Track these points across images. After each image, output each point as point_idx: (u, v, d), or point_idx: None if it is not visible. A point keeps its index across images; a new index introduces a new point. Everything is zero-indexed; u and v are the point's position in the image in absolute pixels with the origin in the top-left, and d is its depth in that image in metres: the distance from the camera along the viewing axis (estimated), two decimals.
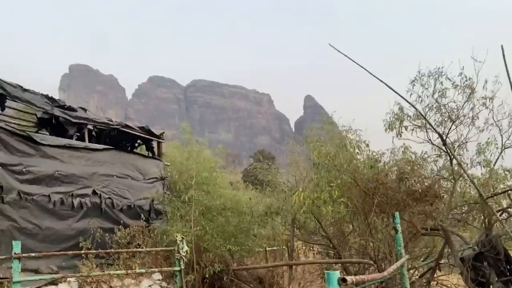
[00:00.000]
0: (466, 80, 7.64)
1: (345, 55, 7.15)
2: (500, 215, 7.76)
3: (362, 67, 7.10)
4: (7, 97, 10.64)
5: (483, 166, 8.08)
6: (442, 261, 8.84)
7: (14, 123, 12.45)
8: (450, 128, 7.85)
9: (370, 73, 7.11)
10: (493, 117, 7.70)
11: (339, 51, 7.15)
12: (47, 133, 13.17)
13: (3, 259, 7.43)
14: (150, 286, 9.67)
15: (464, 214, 8.56)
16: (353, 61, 7.10)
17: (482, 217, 7.90)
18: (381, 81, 7.10)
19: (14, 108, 12.77)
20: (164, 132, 15.76)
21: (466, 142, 8.06)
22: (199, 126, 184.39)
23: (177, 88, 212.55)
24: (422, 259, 9.85)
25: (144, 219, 12.23)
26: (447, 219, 7.75)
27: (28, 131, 11.51)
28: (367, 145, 9.03)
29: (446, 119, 7.89)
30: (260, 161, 13.03)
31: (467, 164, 8.13)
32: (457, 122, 7.83)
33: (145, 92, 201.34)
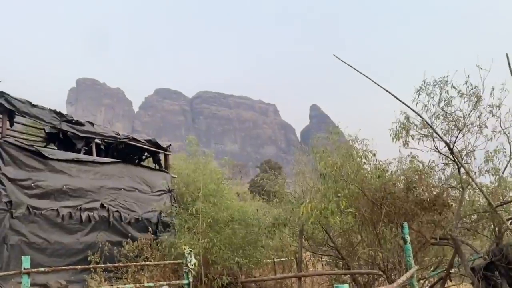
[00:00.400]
0: (472, 89, 7.61)
1: (350, 65, 7.17)
2: (510, 224, 7.64)
3: (367, 77, 7.11)
4: (16, 113, 10.79)
5: (492, 174, 8.02)
6: (453, 271, 8.71)
7: (23, 138, 12.61)
8: (457, 137, 7.80)
9: (376, 83, 7.11)
10: (500, 125, 7.64)
11: (343, 62, 7.17)
12: (55, 148, 13.31)
13: (12, 274, 7.48)
14: None
15: (473, 223, 8.45)
16: (358, 71, 7.12)
17: (492, 226, 7.80)
18: (386, 90, 7.10)
19: (22, 124, 12.95)
20: (171, 145, 15.86)
21: (474, 150, 8.00)
22: (205, 137, 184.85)
23: (183, 99, 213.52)
24: (432, 269, 9.73)
25: (152, 232, 12.25)
26: (456, 228, 7.66)
27: (37, 146, 11.65)
28: (374, 155, 9.00)
29: (452, 127, 7.84)
30: (266, 172, 13.00)
31: (475, 172, 8.06)
32: (464, 130, 7.78)
33: (152, 105, 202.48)
